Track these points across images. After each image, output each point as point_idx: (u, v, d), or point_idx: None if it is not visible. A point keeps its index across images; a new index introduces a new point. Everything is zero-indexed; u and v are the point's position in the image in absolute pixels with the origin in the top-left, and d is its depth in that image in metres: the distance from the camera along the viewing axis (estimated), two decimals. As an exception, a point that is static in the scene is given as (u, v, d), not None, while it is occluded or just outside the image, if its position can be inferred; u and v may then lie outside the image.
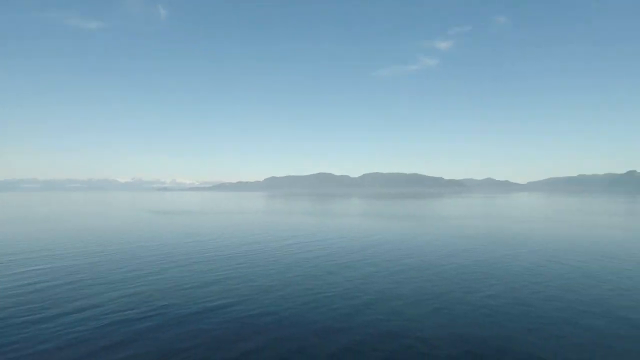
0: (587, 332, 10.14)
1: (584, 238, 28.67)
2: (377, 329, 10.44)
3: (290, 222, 43.17)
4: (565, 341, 9.57)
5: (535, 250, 22.89)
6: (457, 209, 73.94)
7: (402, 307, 12.30)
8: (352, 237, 29.16)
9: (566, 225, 39.24)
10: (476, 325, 10.70)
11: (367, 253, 22.17)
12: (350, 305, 12.43)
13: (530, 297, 13.23)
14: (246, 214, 57.69)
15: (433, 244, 25.84)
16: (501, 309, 11.99)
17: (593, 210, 68.28)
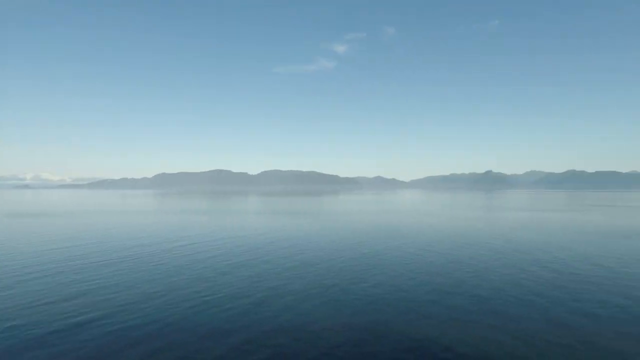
0: (449, 310, 11.82)
1: (451, 228, 33.44)
2: (268, 326, 10.45)
3: (181, 222, 40.53)
4: (432, 319, 11.00)
5: (412, 241, 25.74)
6: (351, 205, 78.93)
7: (293, 302, 12.55)
8: (247, 236, 28.72)
9: (437, 218, 45.27)
10: (360, 313, 11.52)
11: (261, 251, 22.06)
12: (242, 305, 12.20)
13: (405, 284, 14.82)
14: (129, 214, 52.23)
15: (325, 239, 27.03)
16: (382, 296, 13.15)
17: (459, 204, 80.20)
